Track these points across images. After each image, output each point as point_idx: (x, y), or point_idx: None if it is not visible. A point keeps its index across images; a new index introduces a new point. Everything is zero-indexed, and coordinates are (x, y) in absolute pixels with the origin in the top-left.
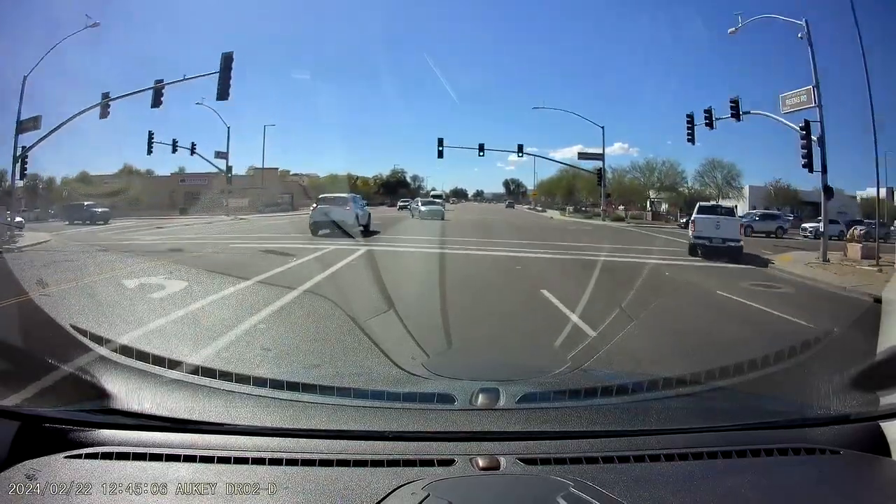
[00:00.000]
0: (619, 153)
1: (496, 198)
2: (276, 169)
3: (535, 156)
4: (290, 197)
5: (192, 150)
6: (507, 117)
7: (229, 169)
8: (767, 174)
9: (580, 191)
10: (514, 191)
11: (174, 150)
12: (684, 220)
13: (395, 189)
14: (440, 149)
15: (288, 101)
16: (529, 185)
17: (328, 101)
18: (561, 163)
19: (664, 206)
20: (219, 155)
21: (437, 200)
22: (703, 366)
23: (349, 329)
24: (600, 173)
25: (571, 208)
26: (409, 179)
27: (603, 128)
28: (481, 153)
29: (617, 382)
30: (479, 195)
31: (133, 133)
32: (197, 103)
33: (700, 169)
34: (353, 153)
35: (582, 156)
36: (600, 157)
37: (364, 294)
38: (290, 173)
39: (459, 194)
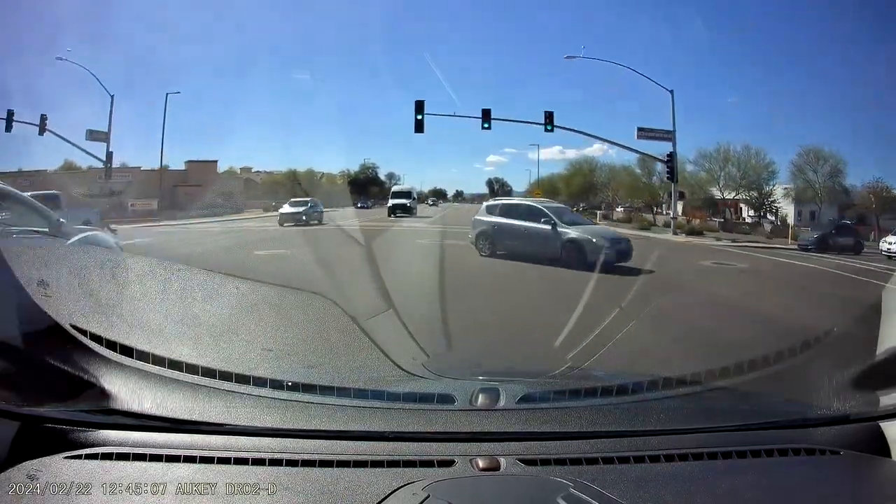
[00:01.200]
0: (598, 154)
1: (477, 198)
2: (215, 162)
3: (570, 130)
4: (233, 197)
5: (42, 129)
6: (505, 114)
7: (109, 156)
8: None
9: (606, 189)
10: (497, 191)
11: (8, 128)
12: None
13: (366, 187)
14: (419, 118)
15: (279, 98)
16: (515, 185)
17: (319, 99)
18: (624, 147)
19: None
20: (94, 136)
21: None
22: None
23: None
24: (671, 161)
25: (590, 210)
26: (383, 177)
27: (672, 91)
28: (486, 125)
29: (617, 382)
30: (459, 196)
31: (123, 128)
32: (58, 58)
33: (797, 160)
34: (352, 153)
35: (643, 133)
36: (669, 135)
37: None
38: (253, 170)
39: (439, 194)
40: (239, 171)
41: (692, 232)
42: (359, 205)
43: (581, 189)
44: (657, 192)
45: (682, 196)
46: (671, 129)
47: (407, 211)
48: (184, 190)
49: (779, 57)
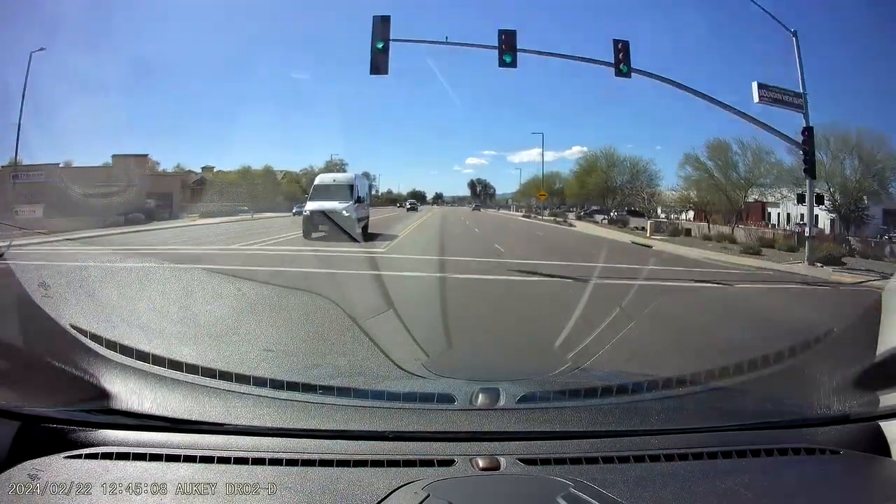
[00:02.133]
0: (578, 156)
1: (457, 200)
2: (145, 156)
3: (655, 77)
4: (169, 199)
5: None
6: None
7: None
8: None
9: (633, 190)
10: (480, 193)
11: None
12: None
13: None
14: (379, 47)
15: (248, 91)
16: (500, 187)
17: (292, 93)
18: (740, 115)
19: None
20: None
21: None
22: None
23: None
24: (808, 140)
25: (619, 219)
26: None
27: (795, 33)
28: (507, 58)
29: (617, 382)
30: (439, 198)
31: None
32: None
33: None
34: (326, 152)
35: (767, 94)
36: (799, 100)
37: None
38: (215, 169)
39: (418, 196)
40: (201, 171)
41: (830, 261)
42: (294, 210)
43: (598, 190)
44: (740, 194)
45: (819, 200)
46: (799, 90)
47: (345, 226)
48: (107, 191)
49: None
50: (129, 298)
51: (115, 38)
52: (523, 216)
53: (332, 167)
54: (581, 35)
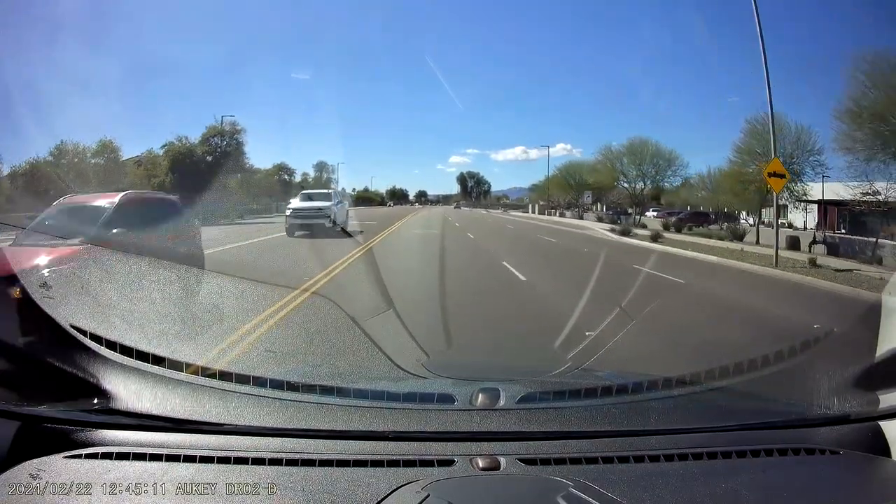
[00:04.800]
0: (563, 153)
1: (443, 199)
2: None
3: None
4: None
5: None
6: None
7: None
8: None
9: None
10: (471, 189)
11: None
12: None
13: (207, 175)
14: None
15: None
16: (514, 181)
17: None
18: None
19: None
20: None
21: None
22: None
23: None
24: None
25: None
26: (293, 171)
27: None
28: None
29: (617, 382)
30: (422, 196)
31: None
32: None
33: None
34: (309, 154)
35: None
36: None
37: None
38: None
39: (399, 195)
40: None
41: None
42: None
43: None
44: None
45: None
46: None
47: None
48: None
49: None
50: None
51: None
52: (617, 234)
53: (213, 132)
54: None
